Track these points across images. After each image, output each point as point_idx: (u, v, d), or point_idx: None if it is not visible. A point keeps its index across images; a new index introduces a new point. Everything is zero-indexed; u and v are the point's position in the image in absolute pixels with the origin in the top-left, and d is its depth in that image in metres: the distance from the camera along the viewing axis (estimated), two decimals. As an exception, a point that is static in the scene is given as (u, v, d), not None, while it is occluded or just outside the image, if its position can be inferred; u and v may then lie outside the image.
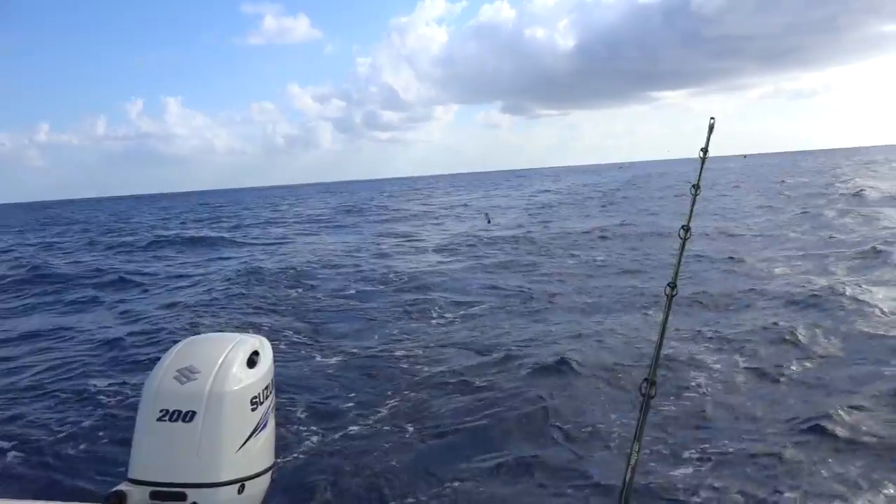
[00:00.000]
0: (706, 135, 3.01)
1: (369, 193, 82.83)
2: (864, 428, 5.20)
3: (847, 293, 9.45)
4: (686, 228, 2.61)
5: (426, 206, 45.17)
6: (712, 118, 3.02)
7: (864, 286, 9.93)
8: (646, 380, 1.88)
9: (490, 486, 4.87)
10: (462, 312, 10.40)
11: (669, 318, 2.30)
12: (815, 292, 9.72)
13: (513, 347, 8.07)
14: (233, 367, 1.81)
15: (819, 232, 16.76)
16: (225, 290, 13.22)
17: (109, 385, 7.26)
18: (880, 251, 12.77)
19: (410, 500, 4.71)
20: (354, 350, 8.40)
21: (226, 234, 29.08)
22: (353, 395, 6.78)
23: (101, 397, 6.86)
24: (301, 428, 5.91)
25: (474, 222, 28.13)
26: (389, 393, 6.75)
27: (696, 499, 4.39)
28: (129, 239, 29.96)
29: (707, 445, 5.16)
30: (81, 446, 5.61)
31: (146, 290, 14.59)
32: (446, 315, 10.28)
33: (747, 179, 50.24)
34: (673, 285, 2.43)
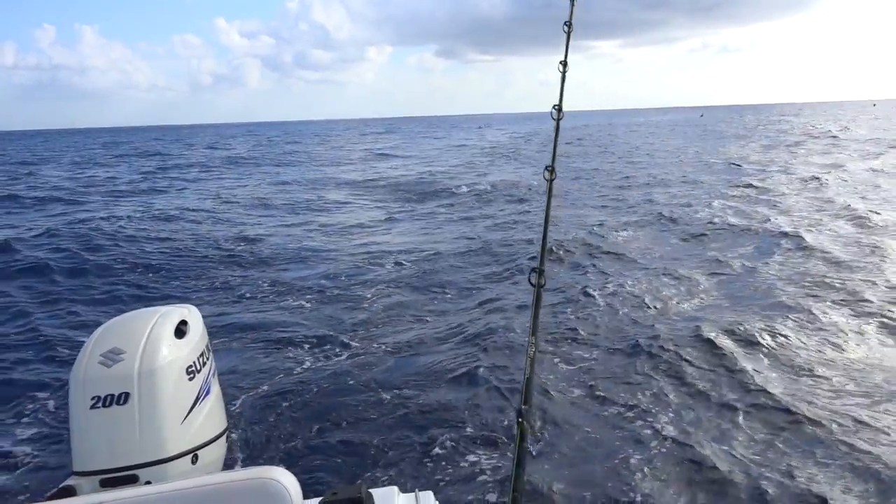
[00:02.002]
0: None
1: (290, 136, 79.60)
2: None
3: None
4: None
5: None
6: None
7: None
8: (534, 269, 1.86)
9: (424, 395, 5.47)
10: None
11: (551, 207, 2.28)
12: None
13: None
14: (160, 340, 1.76)
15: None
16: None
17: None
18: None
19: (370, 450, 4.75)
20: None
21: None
22: (294, 343, 6.87)
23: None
24: (252, 384, 5.84)
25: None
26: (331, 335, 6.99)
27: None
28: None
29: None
30: (19, 447, 5.06)
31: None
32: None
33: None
34: (552, 170, 2.33)
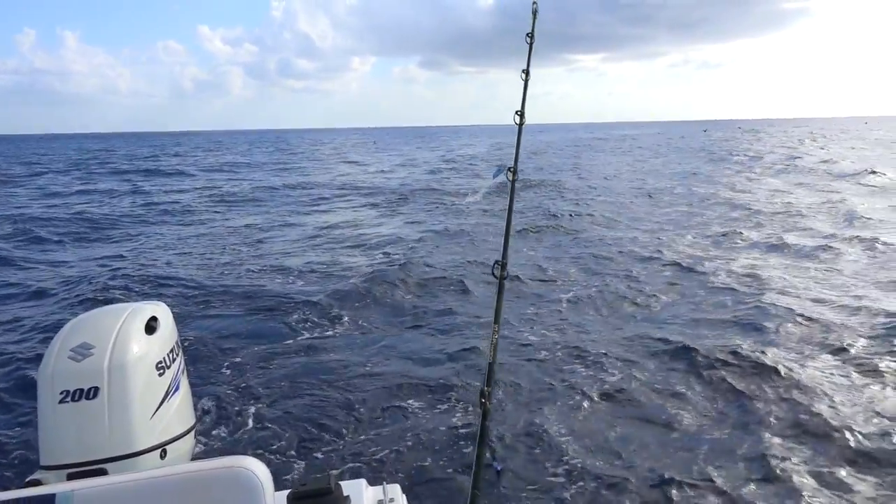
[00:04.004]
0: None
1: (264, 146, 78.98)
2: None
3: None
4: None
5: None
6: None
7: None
8: (497, 262, 1.92)
9: (383, 379, 5.73)
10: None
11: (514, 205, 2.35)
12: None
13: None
14: (130, 336, 1.76)
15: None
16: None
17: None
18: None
19: (336, 441, 4.84)
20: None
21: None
22: (264, 343, 6.94)
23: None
24: (219, 383, 5.90)
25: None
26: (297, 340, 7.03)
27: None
28: None
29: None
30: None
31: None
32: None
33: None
34: (515, 171, 2.41)
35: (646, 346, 6.40)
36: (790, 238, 11.71)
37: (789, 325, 6.86)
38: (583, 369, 5.94)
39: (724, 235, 12.30)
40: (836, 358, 5.98)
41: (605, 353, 6.20)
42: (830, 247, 10.84)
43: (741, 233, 12.37)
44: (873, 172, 22.50)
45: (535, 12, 2.90)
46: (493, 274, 1.92)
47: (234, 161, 45.01)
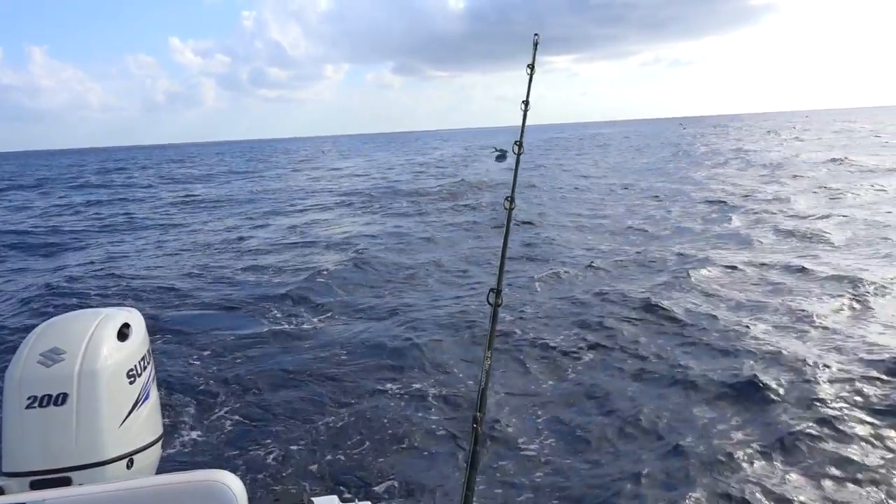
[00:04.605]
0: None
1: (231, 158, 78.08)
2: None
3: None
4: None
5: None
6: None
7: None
8: (492, 290, 1.91)
9: (369, 401, 5.41)
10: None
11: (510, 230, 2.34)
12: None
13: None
14: (102, 342, 1.71)
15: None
16: None
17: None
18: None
19: (300, 446, 4.74)
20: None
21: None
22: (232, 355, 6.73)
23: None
24: (189, 392, 5.76)
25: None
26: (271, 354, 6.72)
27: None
28: None
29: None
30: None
31: None
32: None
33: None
34: (512, 200, 2.45)
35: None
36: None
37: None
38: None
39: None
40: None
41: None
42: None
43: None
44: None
45: (536, 44, 2.98)
46: (487, 301, 1.91)
47: (195, 174, 44.75)
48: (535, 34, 2.98)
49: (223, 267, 11.25)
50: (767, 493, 3.83)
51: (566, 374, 5.84)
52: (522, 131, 2.76)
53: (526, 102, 2.88)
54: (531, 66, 2.94)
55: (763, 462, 4.17)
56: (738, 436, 4.51)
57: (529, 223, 14.01)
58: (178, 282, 10.06)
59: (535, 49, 2.97)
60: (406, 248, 12.36)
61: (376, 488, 4.18)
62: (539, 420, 4.95)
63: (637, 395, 5.30)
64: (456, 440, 4.67)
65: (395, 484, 4.21)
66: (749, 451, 4.28)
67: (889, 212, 13.38)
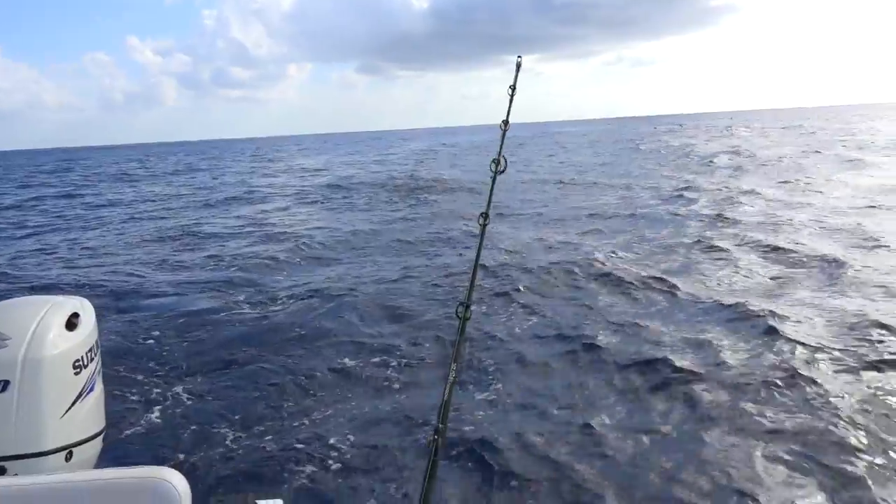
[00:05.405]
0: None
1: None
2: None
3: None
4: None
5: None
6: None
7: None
8: (461, 303, 1.93)
9: (327, 402, 5.28)
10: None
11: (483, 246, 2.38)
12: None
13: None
14: (49, 330, 1.67)
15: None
16: None
17: None
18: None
19: (249, 442, 4.69)
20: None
21: None
22: (181, 352, 6.65)
23: None
24: (132, 389, 5.68)
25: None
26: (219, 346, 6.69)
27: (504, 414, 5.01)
28: None
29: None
30: None
31: None
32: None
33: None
34: (486, 216, 2.46)
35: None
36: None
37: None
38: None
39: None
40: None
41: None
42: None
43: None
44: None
45: (518, 65, 3.02)
46: (456, 314, 1.91)
47: (152, 171, 44.89)
48: (518, 56, 3.07)
49: (173, 256, 11.60)
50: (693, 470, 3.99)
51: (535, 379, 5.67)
52: (501, 149, 2.72)
53: (506, 122, 2.92)
54: (513, 88, 3.02)
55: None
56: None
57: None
58: (129, 270, 10.36)
59: (518, 71, 3.02)
60: (355, 238, 13.02)
61: (327, 494, 4.04)
62: (501, 431, 4.71)
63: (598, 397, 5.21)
64: (415, 451, 4.45)
65: (347, 491, 4.06)
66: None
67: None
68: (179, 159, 63.24)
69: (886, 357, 5.51)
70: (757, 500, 3.70)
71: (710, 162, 26.57)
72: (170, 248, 12.70)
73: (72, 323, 1.75)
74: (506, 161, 2.64)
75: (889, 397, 4.89)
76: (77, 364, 1.72)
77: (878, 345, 5.77)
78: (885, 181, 16.95)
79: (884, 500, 3.62)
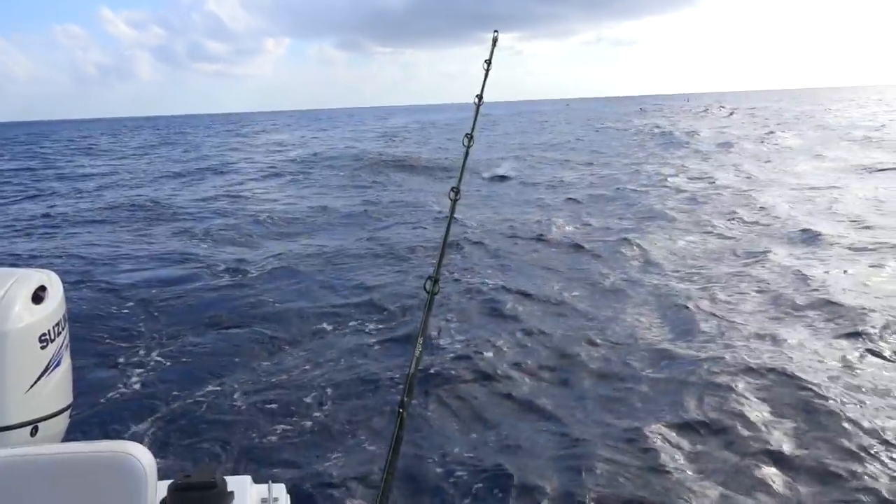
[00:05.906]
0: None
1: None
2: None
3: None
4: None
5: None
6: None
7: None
8: (429, 278, 1.90)
9: (294, 380, 5.28)
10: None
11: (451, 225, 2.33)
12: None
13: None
14: (15, 303, 1.63)
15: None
16: None
17: None
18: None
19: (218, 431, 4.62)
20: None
21: None
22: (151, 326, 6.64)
23: None
24: (103, 360, 5.66)
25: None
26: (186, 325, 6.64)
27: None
28: None
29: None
30: None
31: None
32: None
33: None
34: (457, 191, 2.43)
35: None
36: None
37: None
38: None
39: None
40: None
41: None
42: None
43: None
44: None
45: (495, 40, 3.01)
46: (424, 288, 1.88)
47: (129, 144, 44.38)
48: (495, 31, 3.05)
49: (145, 228, 11.76)
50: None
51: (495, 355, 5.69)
52: (474, 125, 2.73)
53: (480, 97, 2.92)
54: (488, 62, 2.99)
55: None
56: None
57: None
58: (100, 242, 10.45)
59: (494, 46, 3.00)
60: (326, 213, 13.26)
61: (292, 470, 4.01)
62: (465, 408, 4.76)
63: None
64: (380, 425, 4.49)
65: (313, 466, 4.04)
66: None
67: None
68: (153, 133, 62.58)
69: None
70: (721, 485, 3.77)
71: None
72: (142, 220, 12.79)
73: (38, 296, 1.71)
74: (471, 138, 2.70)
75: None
76: (43, 338, 1.70)
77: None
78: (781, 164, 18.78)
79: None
